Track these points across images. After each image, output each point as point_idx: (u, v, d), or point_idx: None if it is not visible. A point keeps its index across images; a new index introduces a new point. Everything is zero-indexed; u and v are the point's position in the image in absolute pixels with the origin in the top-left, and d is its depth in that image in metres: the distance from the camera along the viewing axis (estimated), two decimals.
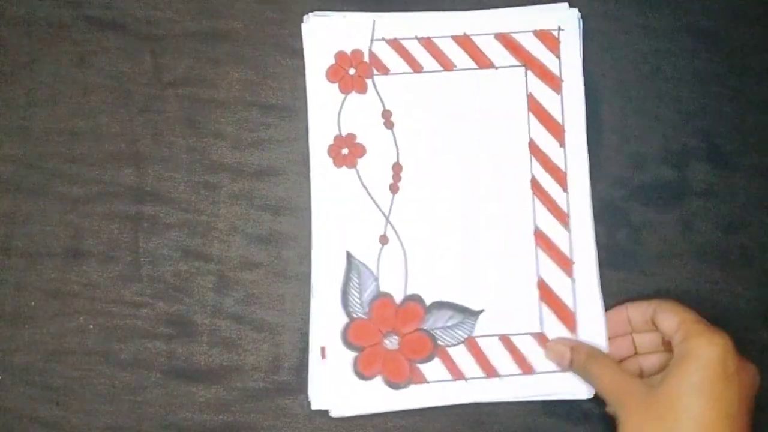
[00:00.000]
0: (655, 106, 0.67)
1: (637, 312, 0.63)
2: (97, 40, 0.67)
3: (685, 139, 0.67)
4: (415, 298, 0.65)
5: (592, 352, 0.62)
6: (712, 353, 0.55)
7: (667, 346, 0.61)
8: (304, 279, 0.65)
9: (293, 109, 0.66)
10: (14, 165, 0.66)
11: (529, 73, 0.66)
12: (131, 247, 0.65)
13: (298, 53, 0.66)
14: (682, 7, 0.67)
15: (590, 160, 0.66)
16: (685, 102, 0.67)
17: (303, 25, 0.66)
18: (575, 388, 0.64)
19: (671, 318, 0.59)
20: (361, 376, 0.64)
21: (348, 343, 0.64)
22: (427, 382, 0.64)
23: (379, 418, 0.64)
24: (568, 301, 0.65)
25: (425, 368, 0.64)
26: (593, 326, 0.64)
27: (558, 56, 0.66)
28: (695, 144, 0.67)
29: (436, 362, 0.64)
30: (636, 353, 0.63)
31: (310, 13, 0.66)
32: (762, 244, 0.66)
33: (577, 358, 0.62)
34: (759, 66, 0.67)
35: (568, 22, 0.66)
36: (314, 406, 0.63)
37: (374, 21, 0.66)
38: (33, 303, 0.65)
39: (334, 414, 0.64)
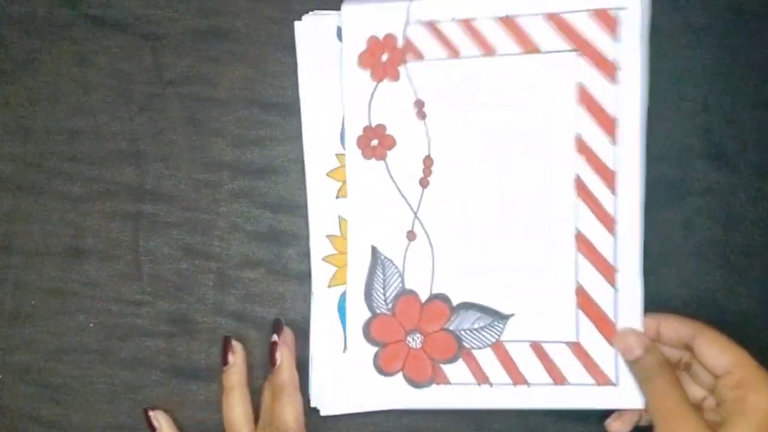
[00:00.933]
0: (655, 106, 0.67)
1: (670, 329, 0.60)
2: (97, 38, 0.67)
3: (686, 138, 0.67)
4: (441, 297, 0.62)
5: (665, 363, 0.58)
6: None
7: (688, 367, 0.60)
8: (304, 277, 0.65)
9: (294, 108, 0.66)
10: (14, 164, 0.66)
11: (582, 59, 0.61)
12: (131, 246, 0.65)
13: None
14: (682, 6, 0.67)
15: None
16: (685, 101, 0.67)
17: (337, 13, 0.64)
18: (611, 403, 0.61)
19: (722, 356, 0.57)
20: (382, 371, 0.63)
21: (370, 339, 0.63)
22: (450, 384, 0.62)
23: (377, 417, 0.64)
24: (608, 310, 0.61)
25: (449, 369, 0.62)
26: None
27: (616, 40, 0.61)
28: (695, 143, 0.67)
29: (461, 364, 0.62)
30: None
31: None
32: (763, 244, 0.66)
33: (649, 360, 0.59)
34: (759, 65, 0.67)
35: (631, 0, 0.61)
36: (313, 404, 0.63)
37: (410, 3, 0.62)
38: (33, 302, 0.65)
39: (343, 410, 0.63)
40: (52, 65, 0.67)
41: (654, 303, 0.65)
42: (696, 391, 0.60)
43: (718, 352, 0.57)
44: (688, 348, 0.59)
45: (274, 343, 0.61)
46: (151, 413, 0.62)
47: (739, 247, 0.66)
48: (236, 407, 0.60)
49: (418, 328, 0.63)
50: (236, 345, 0.62)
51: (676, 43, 0.67)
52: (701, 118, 0.67)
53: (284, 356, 0.61)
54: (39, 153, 0.66)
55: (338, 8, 0.66)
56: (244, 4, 0.66)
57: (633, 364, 0.60)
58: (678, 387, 0.57)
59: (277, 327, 0.62)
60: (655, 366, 0.58)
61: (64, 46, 0.67)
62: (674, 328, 0.60)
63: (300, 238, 0.65)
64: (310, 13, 0.66)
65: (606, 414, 0.63)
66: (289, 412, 0.60)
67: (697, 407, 0.59)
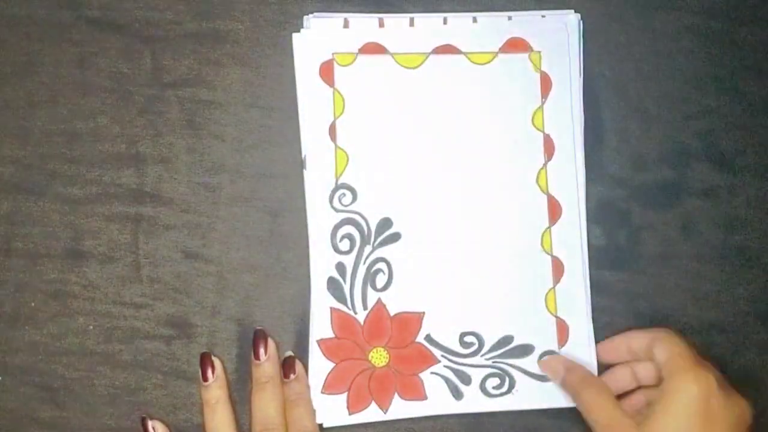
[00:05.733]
0: (655, 107, 0.67)
1: (638, 341, 0.61)
2: (97, 40, 0.67)
3: (685, 139, 0.67)
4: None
5: (587, 377, 0.61)
6: (694, 392, 0.55)
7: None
8: (303, 280, 0.64)
9: (293, 111, 0.66)
10: (14, 166, 0.66)
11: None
12: (131, 248, 0.65)
13: None
14: (682, 7, 0.67)
15: (590, 160, 0.66)
16: (685, 102, 0.67)
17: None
18: None
19: (663, 352, 0.58)
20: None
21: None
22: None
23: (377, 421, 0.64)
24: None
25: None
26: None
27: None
28: (695, 144, 0.67)
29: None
30: (639, 386, 0.62)
31: (310, 15, 0.66)
32: (762, 245, 0.66)
33: (570, 379, 0.61)
34: (759, 66, 0.67)
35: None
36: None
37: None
38: (33, 304, 0.65)
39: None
40: (51, 67, 0.66)
41: (653, 304, 0.65)
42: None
43: (661, 349, 0.58)
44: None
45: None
46: (149, 423, 0.62)
47: (738, 249, 0.66)
48: (224, 420, 0.61)
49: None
50: (215, 360, 0.63)
51: (675, 45, 0.67)
52: (700, 120, 0.67)
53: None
54: (38, 155, 0.66)
55: (337, 10, 0.66)
56: (243, 6, 0.66)
57: (562, 386, 0.62)
58: (605, 394, 0.59)
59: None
60: (579, 382, 0.60)
61: (64, 48, 0.67)
62: (638, 340, 0.61)
63: (299, 242, 0.65)
64: (311, 15, 0.66)
65: None
66: (309, 419, 0.62)
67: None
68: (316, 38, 0.65)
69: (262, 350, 0.62)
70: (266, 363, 0.62)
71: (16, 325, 0.65)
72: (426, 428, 0.64)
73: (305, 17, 0.66)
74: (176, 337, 0.65)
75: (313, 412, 0.62)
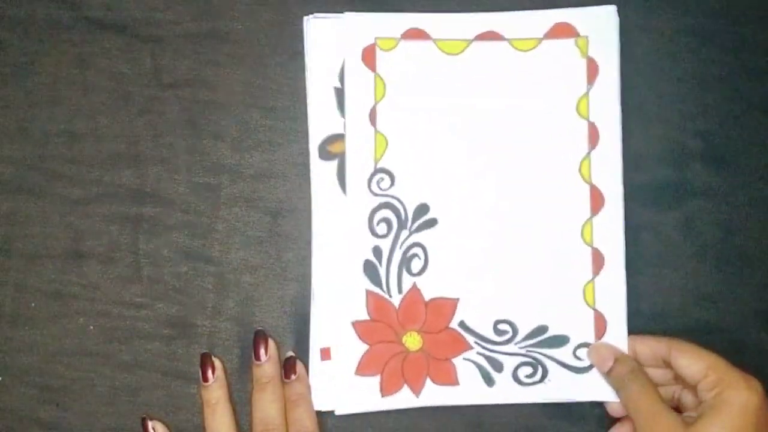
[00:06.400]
0: (655, 106, 0.67)
1: (645, 348, 0.62)
2: (97, 41, 0.67)
3: (685, 139, 0.67)
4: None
5: (636, 369, 0.61)
6: (750, 402, 0.55)
7: (680, 381, 0.60)
8: (304, 281, 0.65)
9: (293, 111, 0.66)
10: (14, 166, 0.66)
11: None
12: (131, 249, 0.65)
13: (298, 55, 0.66)
14: (682, 7, 0.67)
15: None
16: (685, 102, 0.67)
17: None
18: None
19: (695, 363, 0.58)
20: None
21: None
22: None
23: (379, 418, 0.64)
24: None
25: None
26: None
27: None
28: (695, 144, 0.67)
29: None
30: None
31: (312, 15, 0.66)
32: (761, 245, 0.66)
33: (619, 369, 0.61)
34: (759, 66, 0.67)
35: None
36: (317, 407, 0.63)
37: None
38: (33, 304, 0.65)
39: (338, 412, 0.63)
40: (51, 67, 0.67)
41: (653, 304, 0.65)
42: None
43: (691, 360, 0.59)
44: (667, 364, 0.60)
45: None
46: (149, 423, 0.62)
47: (738, 249, 0.66)
48: (224, 421, 0.61)
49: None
50: (216, 360, 0.63)
51: (676, 45, 0.67)
52: (701, 121, 0.67)
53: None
54: (38, 155, 0.66)
55: (337, 11, 0.66)
56: (243, 7, 0.66)
57: (607, 375, 0.62)
58: (651, 389, 0.59)
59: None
60: (628, 373, 0.60)
61: (64, 48, 0.67)
62: (648, 346, 0.61)
63: (299, 242, 0.65)
64: (311, 15, 0.66)
65: (608, 421, 0.63)
66: (310, 419, 0.62)
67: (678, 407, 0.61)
68: (359, 22, 0.65)
69: (262, 350, 0.62)
70: (267, 363, 0.62)
71: (16, 325, 0.65)
72: (426, 425, 0.64)
73: (305, 18, 0.66)
74: (176, 337, 0.65)
75: (314, 412, 0.62)
